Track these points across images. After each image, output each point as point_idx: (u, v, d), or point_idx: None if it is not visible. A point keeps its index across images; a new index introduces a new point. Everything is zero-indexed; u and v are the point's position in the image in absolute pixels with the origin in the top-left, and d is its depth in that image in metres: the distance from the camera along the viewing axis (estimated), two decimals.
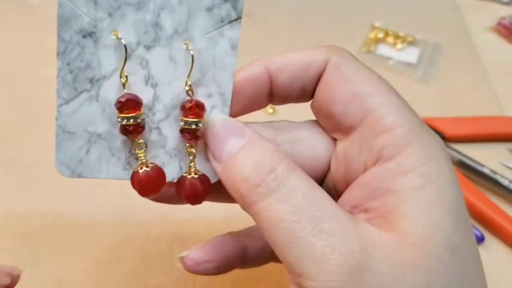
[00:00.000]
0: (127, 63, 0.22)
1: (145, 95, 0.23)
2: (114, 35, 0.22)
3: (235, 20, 0.23)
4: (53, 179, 0.43)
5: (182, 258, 0.27)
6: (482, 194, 0.43)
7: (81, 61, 0.22)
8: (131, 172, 0.23)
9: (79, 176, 0.24)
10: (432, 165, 0.20)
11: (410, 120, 0.21)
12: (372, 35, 0.60)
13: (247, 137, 0.22)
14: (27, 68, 0.53)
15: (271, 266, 0.29)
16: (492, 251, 0.41)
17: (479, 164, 0.45)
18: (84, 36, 0.22)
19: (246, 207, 0.21)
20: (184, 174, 0.24)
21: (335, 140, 0.24)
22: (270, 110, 0.50)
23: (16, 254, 0.38)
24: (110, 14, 0.22)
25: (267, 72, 0.24)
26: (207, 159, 0.23)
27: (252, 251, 0.27)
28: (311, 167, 0.24)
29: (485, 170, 0.45)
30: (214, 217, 0.40)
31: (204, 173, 0.24)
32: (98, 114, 0.23)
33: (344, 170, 0.23)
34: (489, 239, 0.42)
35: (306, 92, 0.24)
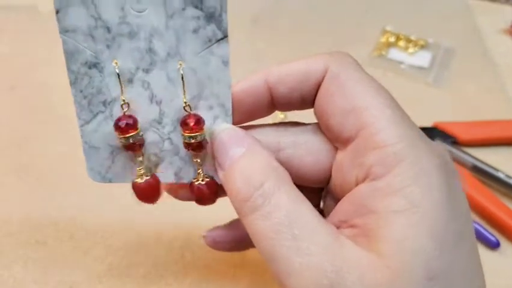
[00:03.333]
0: (131, 86, 0.25)
1: (152, 112, 0.25)
2: (114, 63, 0.24)
3: (222, 38, 0.24)
4: (66, 185, 0.44)
5: (204, 236, 0.30)
6: (497, 199, 0.43)
7: (92, 88, 0.25)
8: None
9: (110, 181, 0.27)
10: (421, 184, 0.20)
11: (403, 136, 0.21)
12: (383, 39, 0.59)
13: (246, 146, 0.23)
14: (38, 76, 0.53)
15: None
16: (508, 256, 0.41)
17: (494, 168, 0.45)
18: (90, 67, 0.24)
19: (240, 218, 0.22)
20: (193, 181, 0.26)
21: (336, 148, 0.24)
22: (282, 116, 0.49)
23: (29, 260, 0.39)
24: (108, 46, 0.24)
25: (266, 83, 0.24)
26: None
27: None
28: (313, 172, 0.25)
29: (500, 175, 0.44)
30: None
31: (214, 177, 0.26)
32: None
33: (341, 180, 0.24)
34: (504, 244, 0.41)
35: (307, 101, 0.25)
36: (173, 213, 0.41)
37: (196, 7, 0.23)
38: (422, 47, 0.59)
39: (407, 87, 0.55)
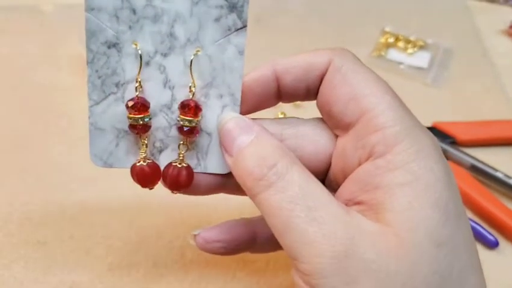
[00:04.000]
0: (147, 69, 0.25)
1: (164, 97, 0.26)
2: (134, 45, 0.25)
3: (241, 28, 0.25)
4: (66, 185, 0.44)
5: (194, 235, 0.29)
6: (495, 199, 0.43)
7: (107, 68, 0.25)
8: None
9: (110, 166, 0.27)
10: (420, 162, 0.22)
11: (402, 119, 0.23)
12: (382, 40, 0.60)
13: (255, 134, 0.24)
14: (39, 76, 0.53)
15: None
16: (507, 255, 0.41)
17: (493, 168, 0.45)
18: (109, 47, 0.25)
19: (251, 197, 0.23)
20: (173, 163, 0.26)
21: (336, 136, 0.26)
22: (281, 116, 0.50)
23: (29, 260, 0.39)
24: (130, 27, 0.25)
25: (273, 73, 0.26)
26: (221, 153, 0.26)
27: (262, 238, 0.29)
28: (314, 160, 0.26)
29: (499, 175, 0.45)
30: None
31: (218, 165, 0.27)
32: (124, 114, 0.25)
33: (342, 164, 0.25)
34: (503, 244, 0.41)
35: (311, 92, 0.26)
36: (174, 212, 0.42)
37: None
38: (421, 47, 0.59)
39: (406, 87, 0.55)
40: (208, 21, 0.25)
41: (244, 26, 0.25)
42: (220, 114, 0.26)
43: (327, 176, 0.27)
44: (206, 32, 0.25)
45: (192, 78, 0.25)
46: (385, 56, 0.58)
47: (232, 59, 0.25)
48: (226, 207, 0.41)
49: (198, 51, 0.25)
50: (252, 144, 0.24)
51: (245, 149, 0.24)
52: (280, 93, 0.27)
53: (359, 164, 0.24)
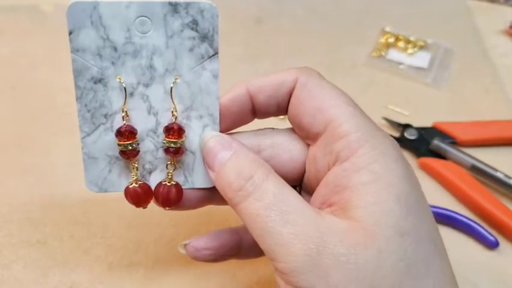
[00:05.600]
0: (131, 99, 0.27)
1: (149, 123, 0.28)
2: (118, 79, 0.27)
3: (213, 55, 0.28)
4: (66, 185, 0.44)
5: (185, 245, 0.31)
6: (496, 199, 0.43)
7: (96, 102, 0.27)
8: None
9: (105, 191, 0.29)
10: (381, 162, 0.24)
11: (363, 126, 0.25)
12: (383, 40, 0.60)
13: (233, 149, 0.26)
14: (41, 76, 0.53)
15: None
16: (507, 256, 0.41)
17: (493, 168, 0.45)
18: (95, 83, 0.27)
19: (233, 207, 0.25)
20: (163, 182, 0.28)
21: (308, 145, 0.29)
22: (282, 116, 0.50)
23: (29, 260, 0.39)
24: (113, 63, 0.27)
25: (247, 92, 0.29)
26: (205, 169, 0.28)
27: (246, 244, 0.31)
28: (289, 168, 0.29)
29: (499, 175, 0.45)
30: (224, 223, 0.40)
31: (204, 180, 0.29)
32: (114, 142, 0.27)
33: (314, 170, 0.28)
34: (503, 244, 0.41)
35: (281, 107, 0.29)
36: (174, 212, 0.42)
37: (192, 29, 0.27)
38: (421, 47, 0.59)
39: (406, 87, 0.55)
40: (183, 52, 0.27)
41: (216, 53, 0.27)
42: (201, 133, 0.28)
43: (303, 182, 0.29)
44: (182, 61, 0.27)
45: (173, 104, 0.28)
46: (385, 56, 0.58)
47: (208, 83, 0.28)
48: (226, 207, 0.41)
49: (176, 79, 0.27)
50: (231, 159, 0.26)
51: (225, 164, 0.26)
52: (255, 110, 0.29)
53: (329, 169, 0.26)
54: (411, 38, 0.60)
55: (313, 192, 0.27)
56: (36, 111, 0.50)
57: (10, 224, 0.41)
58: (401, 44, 0.59)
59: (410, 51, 0.59)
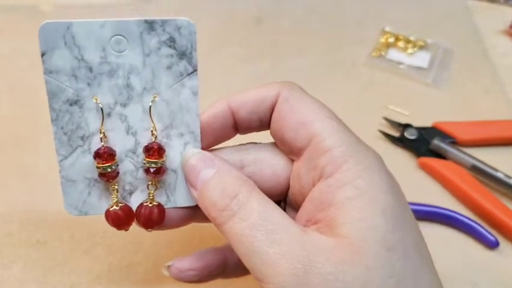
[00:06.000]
0: (109, 120, 0.27)
1: (128, 142, 0.27)
2: (94, 99, 0.26)
3: (192, 72, 0.27)
4: None
5: (168, 266, 0.31)
6: (496, 199, 0.43)
7: (72, 124, 0.27)
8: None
9: (86, 214, 0.28)
10: (365, 177, 0.24)
11: (346, 140, 0.25)
12: (382, 40, 0.60)
13: (216, 167, 0.26)
14: (38, 76, 0.53)
15: None
16: (507, 256, 0.41)
17: (493, 168, 0.45)
18: (71, 104, 0.26)
19: (217, 226, 0.25)
20: (144, 203, 0.28)
21: (292, 161, 0.28)
22: None
23: (29, 260, 0.39)
24: (89, 84, 0.26)
25: (229, 109, 0.28)
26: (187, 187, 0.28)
27: (231, 263, 0.31)
28: (273, 183, 0.28)
29: (499, 175, 0.44)
30: None
31: (186, 199, 0.28)
32: (92, 163, 0.27)
33: (299, 186, 0.27)
34: (503, 244, 0.41)
35: (263, 122, 0.28)
36: None
37: (170, 46, 0.26)
38: (421, 47, 0.59)
39: (406, 87, 0.55)
40: (160, 70, 0.26)
41: (195, 70, 0.27)
42: (182, 151, 0.28)
43: (287, 197, 0.29)
44: (160, 80, 0.27)
45: (153, 123, 0.27)
46: (385, 56, 0.58)
47: (188, 100, 0.27)
48: None
49: (155, 97, 0.27)
50: (214, 177, 0.25)
51: (208, 182, 0.25)
52: (237, 126, 0.29)
53: (313, 185, 0.25)
54: (411, 38, 0.60)
55: (298, 207, 0.27)
56: (36, 111, 0.50)
57: (10, 224, 0.41)
58: (401, 43, 0.59)
59: (410, 51, 0.58)
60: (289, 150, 0.27)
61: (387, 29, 0.61)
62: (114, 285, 0.38)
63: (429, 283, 0.23)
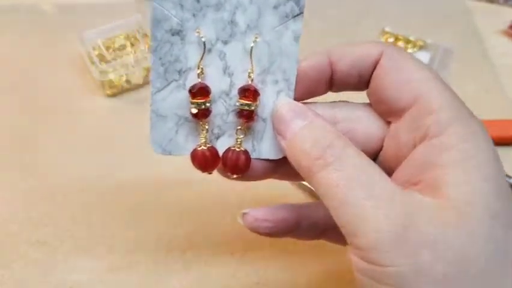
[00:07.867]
0: (208, 56, 0.26)
1: (223, 83, 0.27)
2: (197, 32, 0.26)
3: (298, 15, 0.26)
4: (66, 185, 0.44)
5: (244, 214, 0.29)
6: None
7: (171, 55, 0.26)
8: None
9: (169, 153, 0.27)
10: (472, 142, 0.23)
11: (453, 103, 0.24)
12: (382, 40, 0.60)
13: (309, 119, 0.25)
14: (41, 75, 0.53)
15: None
16: None
17: None
18: (173, 34, 0.26)
19: (307, 177, 0.24)
20: (232, 147, 0.27)
21: (387, 122, 0.27)
22: None
23: (29, 260, 0.39)
24: (194, 15, 0.26)
25: (328, 60, 0.27)
26: (273, 137, 0.27)
27: (305, 224, 0.30)
28: (365, 144, 0.27)
29: None
30: (223, 223, 0.40)
31: (272, 150, 0.27)
32: (185, 100, 0.26)
33: (395, 149, 0.26)
34: None
35: (363, 79, 0.27)
36: (174, 212, 0.42)
37: None
38: (421, 47, 0.59)
39: None
40: (267, 9, 0.26)
41: (301, 13, 0.26)
42: (275, 100, 0.27)
43: (377, 159, 0.28)
44: (265, 19, 0.26)
45: (252, 65, 0.26)
46: None
47: (288, 45, 0.26)
48: (224, 207, 0.41)
49: (256, 37, 0.26)
50: (306, 127, 0.25)
51: (300, 131, 0.25)
52: (333, 81, 0.27)
53: (414, 147, 0.24)
54: (411, 38, 0.60)
55: (389, 170, 0.26)
56: (36, 111, 0.50)
57: (10, 224, 0.41)
58: (400, 44, 0.59)
59: (409, 51, 0.58)
60: (388, 111, 0.26)
61: (387, 29, 0.61)
62: (114, 285, 0.38)
63: None
